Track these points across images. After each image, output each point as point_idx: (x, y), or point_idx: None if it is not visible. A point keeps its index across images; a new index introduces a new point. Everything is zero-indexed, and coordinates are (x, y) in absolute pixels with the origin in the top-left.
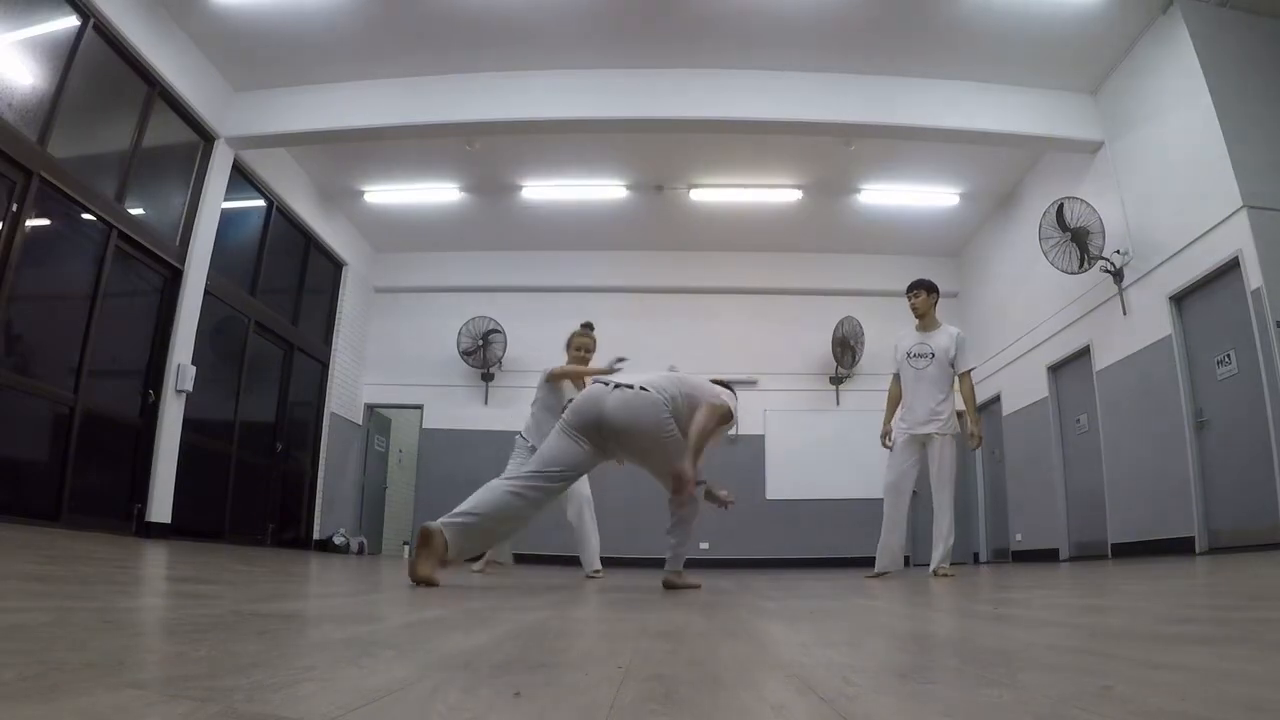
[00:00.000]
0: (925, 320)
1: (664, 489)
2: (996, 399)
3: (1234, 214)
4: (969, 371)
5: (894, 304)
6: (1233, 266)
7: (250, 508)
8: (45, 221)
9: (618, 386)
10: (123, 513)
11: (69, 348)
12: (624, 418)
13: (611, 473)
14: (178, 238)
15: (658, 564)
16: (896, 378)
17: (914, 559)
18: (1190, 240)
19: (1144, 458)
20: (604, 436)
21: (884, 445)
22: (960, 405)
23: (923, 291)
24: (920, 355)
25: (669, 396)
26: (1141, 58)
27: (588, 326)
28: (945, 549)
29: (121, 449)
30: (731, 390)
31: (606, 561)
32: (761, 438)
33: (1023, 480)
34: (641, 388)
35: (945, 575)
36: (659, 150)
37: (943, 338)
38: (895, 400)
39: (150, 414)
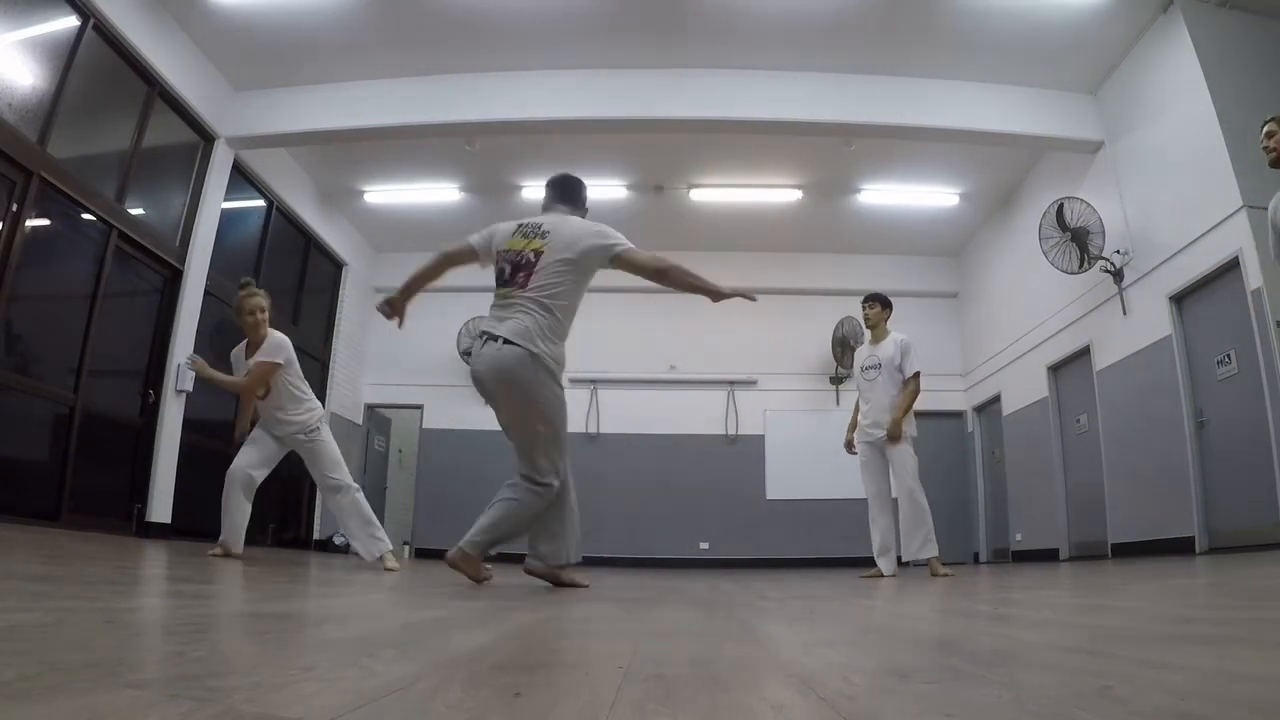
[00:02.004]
0: (876, 331)
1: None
2: (996, 399)
3: (1234, 214)
4: (916, 375)
5: (895, 304)
6: (1233, 266)
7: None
8: (45, 221)
9: (489, 339)
10: (123, 513)
11: (69, 348)
12: (492, 376)
13: (609, 475)
14: (178, 238)
15: (659, 564)
16: (860, 392)
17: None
18: (1190, 240)
19: (1144, 458)
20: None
21: (848, 452)
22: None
23: (877, 305)
24: (870, 367)
25: (536, 337)
26: (1141, 58)
27: (246, 285)
28: (925, 532)
29: (121, 449)
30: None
31: (606, 562)
32: (761, 438)
33: (1023, 480)
34: (506, 340)
35: (944, 575)
36: (659, 150)
37: (889, 347)
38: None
39: (150, 414)
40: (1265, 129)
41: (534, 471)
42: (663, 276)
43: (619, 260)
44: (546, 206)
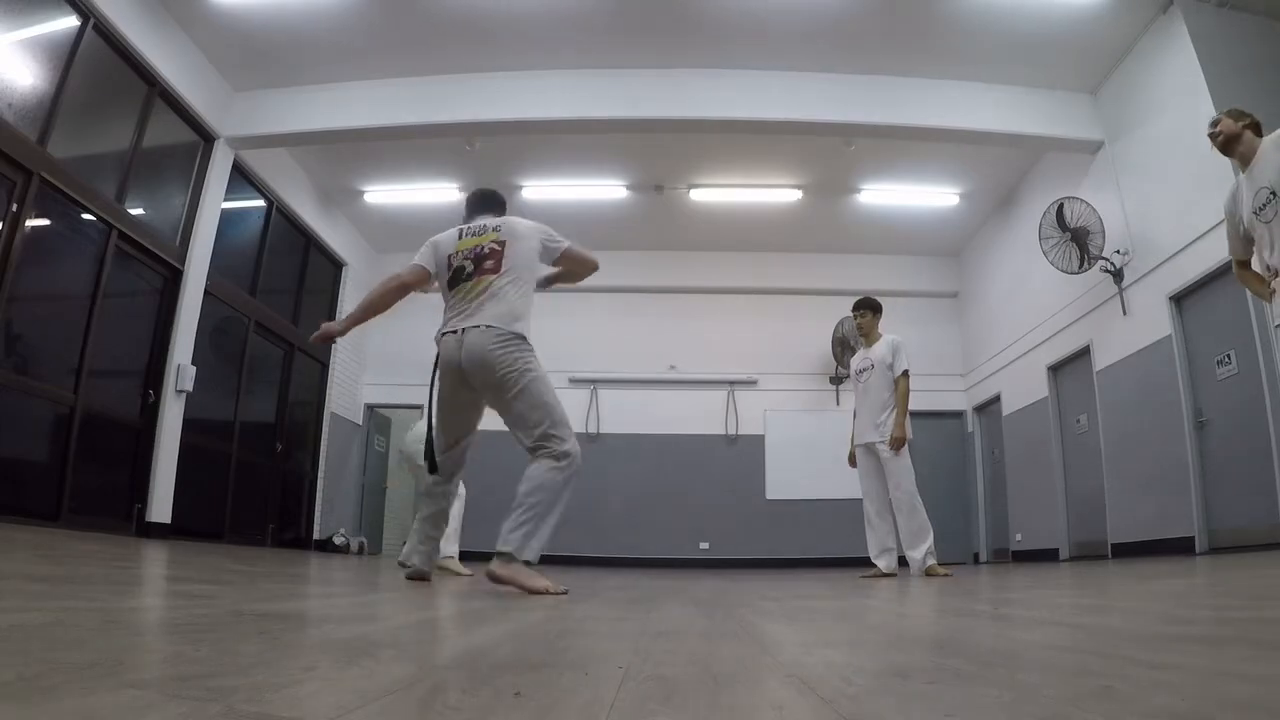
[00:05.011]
0: (868, 337)
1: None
2: (996, 399)
3: None
4: (906, 374)
5: (894, 304)
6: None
7: (250, 508)
8: (45, 221)
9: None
10: (123, 513)
11: (69, 348)
12: (478, 362)
13: (609, 475)
14: (178, 238)
15: (659, 564)
16: (856, 399)
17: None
18: (1190, 240)
19: (1144, 458)
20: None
21: (851, 465)
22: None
23: (868, 312)
24: (863, 370)
25: (511, 323)
26: (1141, 58)
27: None
28: (928, 547)
29: (121, 449)
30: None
31: (606, 562)
32: (761, 438)
33: (1023, 480)
34: (488, 326)
35: (942, 575)
36: (659, 150)
37: (881, 348)
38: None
39: (150, 414)
40: (1211, 121)
41: (555, 443)
42: (590, 271)
43: (565, 256)
44: (471, 217)
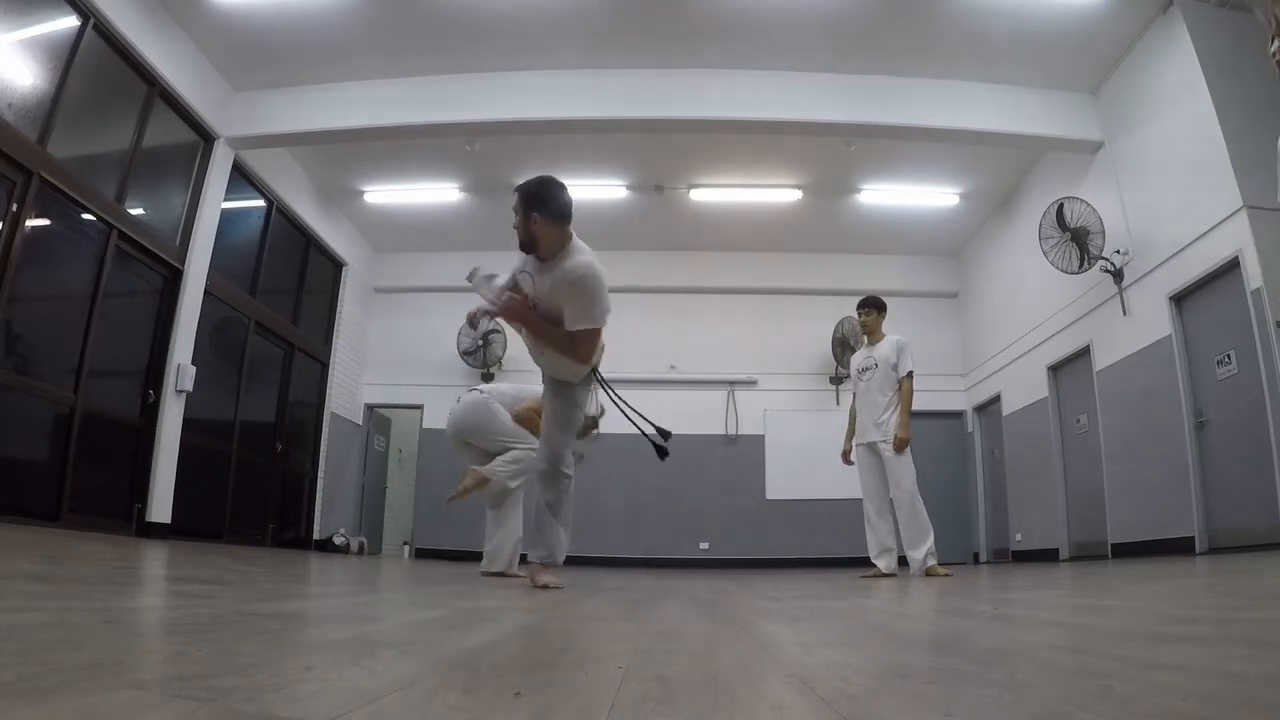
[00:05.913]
0: (872, 336)
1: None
2: (996, 399)
3: (1234, 214)
4: (910, 375)
5: (894, 304)
6: (1233, 266)
7: (250, 508)
8: (45, 221)
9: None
10: (123, 513)
11: (69, 348)
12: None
13: (609, 475)
14: (178, 238)
15: (659, 564)
16: (855, 397)
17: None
18: (1190, 240)
19: (1144, 458)
20: None
21: (845, 462)
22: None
23: (873, 311)
24: (865, 369)
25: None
26: (1141, 58)
27: None
28: (928, 547)
29: (121, 449)
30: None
31: (606, 562)
32: (761, 438)
33: (1023, 480)
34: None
35: (942, 575)
36: (659, 150)
37: (885, 347)
38: (855, 420)
39: (150, 414)
40: (1278, 43)
41: None
42: None
43: None
44: None
